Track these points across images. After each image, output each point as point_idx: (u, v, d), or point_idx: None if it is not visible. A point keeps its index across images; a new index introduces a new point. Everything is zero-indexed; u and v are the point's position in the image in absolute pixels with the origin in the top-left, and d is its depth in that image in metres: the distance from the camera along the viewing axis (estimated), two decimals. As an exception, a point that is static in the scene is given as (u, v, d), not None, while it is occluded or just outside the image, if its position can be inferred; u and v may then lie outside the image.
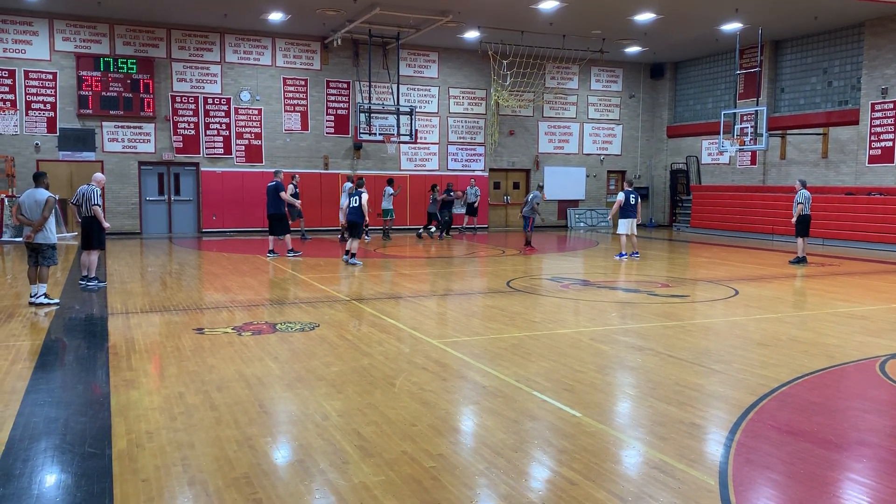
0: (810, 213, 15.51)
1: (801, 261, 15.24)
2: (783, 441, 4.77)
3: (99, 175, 11.83)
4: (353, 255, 14.21)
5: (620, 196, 15.96)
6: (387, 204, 20.52)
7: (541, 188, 19.01)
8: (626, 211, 15.92)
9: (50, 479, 4.12)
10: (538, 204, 18.24)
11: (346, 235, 16.46)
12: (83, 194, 11.27)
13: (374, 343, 7.58)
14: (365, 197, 14.10)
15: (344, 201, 18.80)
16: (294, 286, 11.75)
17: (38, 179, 9.86)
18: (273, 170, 18.68)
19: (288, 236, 15.95)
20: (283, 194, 15.54)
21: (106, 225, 11.47)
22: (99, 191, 11.42)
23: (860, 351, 7.39)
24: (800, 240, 15.39)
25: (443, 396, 5.75)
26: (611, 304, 10.40)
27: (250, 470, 4.22)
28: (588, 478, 4.15)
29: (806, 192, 15.29)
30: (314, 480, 4.09)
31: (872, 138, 20.49)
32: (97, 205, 11.24)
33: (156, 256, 16.38)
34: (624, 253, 16.00)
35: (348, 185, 19.75)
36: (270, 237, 15.94)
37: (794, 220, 15.38)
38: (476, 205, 23.53)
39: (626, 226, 15.94)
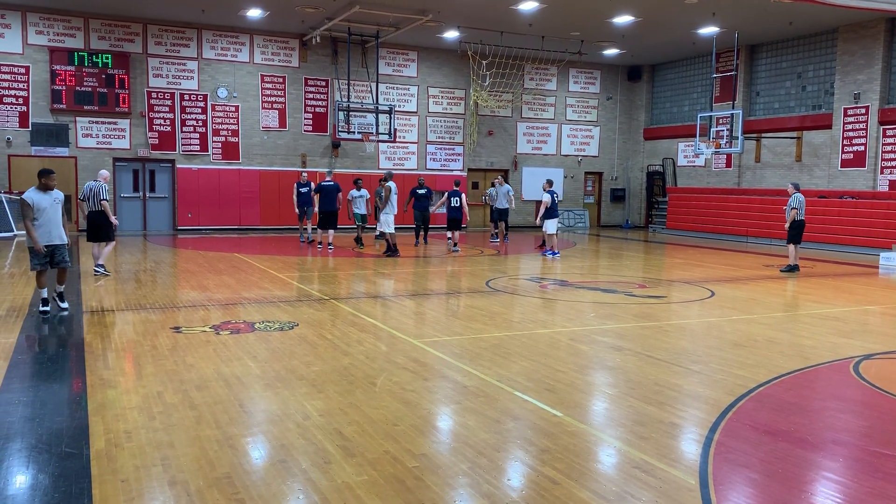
0: (804, 218, 14.33)
1: (792, 269, 14.20)
2: (761, 441, 4.84)
3: (104, 172, 12.60)
4: (456, 244, 17.52)
5: (546, 197, 16.70)
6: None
7: (500, 178, 20.42)
8: (553, 211, 16.81)
9: (26, 479, 4.06)
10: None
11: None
12: (91, 190, 11.97)
13: (353, 342, 7.55)
14: (464, 197, 17.92)
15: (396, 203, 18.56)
16: (271, 285, 11.67)
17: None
18: (327, 170, 19.37)
19: (331, 231, 17.26)
20: (340, 195, 17.25)
21: (114, 220, 12.22)
22: (106, 186, 12.22)
23: (834, 352, 7.50)
24: (791, 247, 14.29)
25: (424, 396, 5.75)
26: (589, 304, 10.46)
27: (231, 470, 4.18)
28: (570, 477, 4.17)
29: (800, 196, 14.16)
30: (296, 480, 4.07)
31: (845, 142, 20.82)
32: (106, 199, 12.03)
33: (130, 254, 16.17)
34: (557, 252, 16.72)
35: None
36: (330, 232, 17.16)
37: (787, 225, 14.22)
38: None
39: (554, 225, 16.92)
